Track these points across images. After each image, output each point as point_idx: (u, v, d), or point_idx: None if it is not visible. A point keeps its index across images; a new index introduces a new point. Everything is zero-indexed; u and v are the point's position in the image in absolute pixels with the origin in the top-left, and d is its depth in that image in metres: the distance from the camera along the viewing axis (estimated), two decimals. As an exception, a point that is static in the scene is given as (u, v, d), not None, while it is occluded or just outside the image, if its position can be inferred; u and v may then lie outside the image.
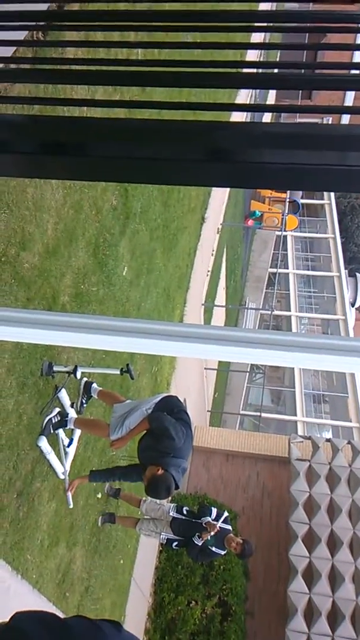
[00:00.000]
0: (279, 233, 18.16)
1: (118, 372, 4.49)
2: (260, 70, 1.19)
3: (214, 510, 5.03)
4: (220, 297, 13.54)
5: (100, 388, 4.38)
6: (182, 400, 4.39)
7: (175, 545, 5.07)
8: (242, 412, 16.20)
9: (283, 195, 20.89)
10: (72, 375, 3.85)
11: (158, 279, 6.55)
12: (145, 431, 4.03)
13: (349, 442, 9.43)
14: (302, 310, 20.65)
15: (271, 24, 1.24)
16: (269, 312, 17.29)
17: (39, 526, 3.67)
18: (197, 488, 9.00)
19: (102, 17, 1.26)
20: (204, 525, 4.80)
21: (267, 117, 18.57)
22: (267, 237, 20.02)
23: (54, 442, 3.89)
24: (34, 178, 3.09)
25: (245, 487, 9.46)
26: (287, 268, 21.55)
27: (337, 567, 7.93)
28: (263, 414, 14.81)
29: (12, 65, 1.38)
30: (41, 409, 3.60)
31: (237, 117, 10.05)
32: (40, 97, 2.47)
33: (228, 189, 13.47)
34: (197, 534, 4.77)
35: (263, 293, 20.35)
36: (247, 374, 16.98)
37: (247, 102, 13.52)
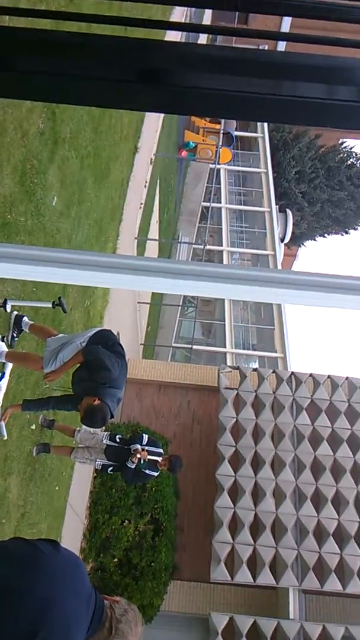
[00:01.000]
0: (213, 166, 17.93)
1: (50, 305, 4.42)
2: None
3: (145, 437, 5.27)
4: (154, 231, 13.39)
5: (32, 322, 4.31)
6: (115, 334, 4.43)
7: (110, 470, 5.29)
8: (174, 344, 16.57)
9: (217, 126, 20.47)
10: (1, 309, 3.75)
11: (90, 210, 6.35)
12: (79, 364, 4.07)
13: (273, 372, 10.01)
14: (234, 245, 20.88)
15: None
16: (202, 247, 17.37)
17: (-28, 458, 3.68)
18: (130, 417, 9.29)
19: None
20: (132, 451, 5.04)
21: (202, 39, 17.74)
22: (200, 169, 19.73)
23: (-15, 376, 3.83)
24: None
25: (177, 415, 9.88)
26: (220, 202, 21.50)
27: (259, 483, 8.62)
28: (194, 346, 15.21)
29: None
30: (-31, 343, 3.51)
31: (171, 36, 9.54)
32: None
33: (161, 117, 12.98)
34: (129, 458, 5.00)
35: (196, 227, 20.30)
36: (179, 307, 17.23)
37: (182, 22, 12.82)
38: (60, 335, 4.20)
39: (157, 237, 14.21)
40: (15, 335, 4.25)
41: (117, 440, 5.29)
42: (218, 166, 19.06)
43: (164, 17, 9.84)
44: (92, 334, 4.11)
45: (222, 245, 20.20)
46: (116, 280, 1.51)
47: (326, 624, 7.77)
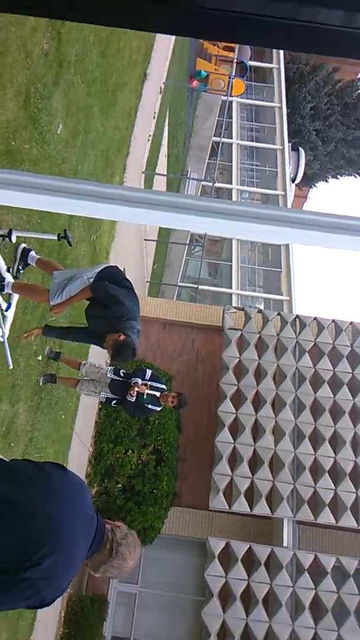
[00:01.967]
0: (225, 98, 17.16)
1: (55, 237, 4.37)
2: None
3: (149, 372, 5.37)
4: (162, 165, 13.03)
5: (39, 256, 4.29)
6: (122, 270, 4.41)
7: (114, 404, 5.44)
8: (180, 283, 16.54)
9: (231, 54, 19.39)
10: (7, 239, 3.72)
11: (96, 140, 6.15)
12: (87, 300, 4.09)
13: (278, 314, 10.03)
14: (244, 184, 20.35)
15: None
16: (211, 184, 16.93)
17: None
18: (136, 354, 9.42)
19: None
20: (132, 384, 5.16)
21: None
22: (212, 101, 18.88)
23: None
24: None
25: (181, 353, 10.02)
26: (231, 138, 20.74)
27: (259, 421, 8.86)
28: (200, 286, 15.19)
29: None
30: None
31: None
32: None
33: (172, 43, 12.30)
34: (128, 392, 5.14)
35: (205, 163, 19.72)
36: (186, 246, 17.05)
37: None
38: (67, 270, 4.20)
39: (165, 172, 13.83)
40: (20, 268, 4.23)
41: (121, 374, 5.41)
42: (230, 98, 18.24)
43: None
44: (100, 270, 4.10)
45: (231, 184, 19.69)
46: (126, 214, 1.48)
47: (318, 553, 8.21)
